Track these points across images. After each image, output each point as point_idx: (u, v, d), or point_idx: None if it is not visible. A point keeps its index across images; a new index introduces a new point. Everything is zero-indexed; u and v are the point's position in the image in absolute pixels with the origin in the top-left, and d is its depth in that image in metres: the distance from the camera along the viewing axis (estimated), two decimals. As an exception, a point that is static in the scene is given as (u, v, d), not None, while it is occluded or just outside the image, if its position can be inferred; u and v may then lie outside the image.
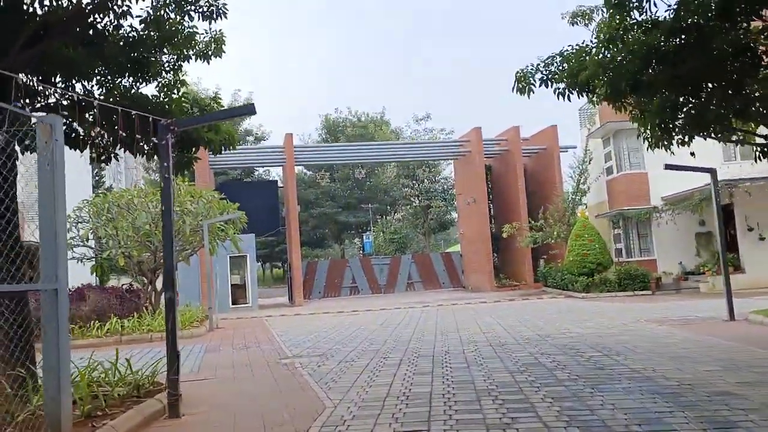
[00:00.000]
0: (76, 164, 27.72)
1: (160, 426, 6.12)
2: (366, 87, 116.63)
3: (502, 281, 31.01)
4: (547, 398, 6.43)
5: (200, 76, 49.83)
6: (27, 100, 8.15)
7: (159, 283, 20.34)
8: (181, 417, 6.41)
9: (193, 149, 9.15)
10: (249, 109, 6.85)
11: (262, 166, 45.25)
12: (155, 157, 9.63)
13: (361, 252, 53.96)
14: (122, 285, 22.12)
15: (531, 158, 32.76)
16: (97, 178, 37.99)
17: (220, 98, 8.95)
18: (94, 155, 8.68)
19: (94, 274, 21.20)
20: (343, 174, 53.68)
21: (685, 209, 24.15)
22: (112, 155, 8.93)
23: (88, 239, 19.49)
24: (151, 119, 6.71)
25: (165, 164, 6.60)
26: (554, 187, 29.85)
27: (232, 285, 28.58)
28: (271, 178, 47.02)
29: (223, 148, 9.29)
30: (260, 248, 63.50)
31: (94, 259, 21.31)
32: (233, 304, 27.67)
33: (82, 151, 8.63)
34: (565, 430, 5.25)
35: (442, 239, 70.68)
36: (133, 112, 6.64)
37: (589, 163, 28.26)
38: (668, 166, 13.27)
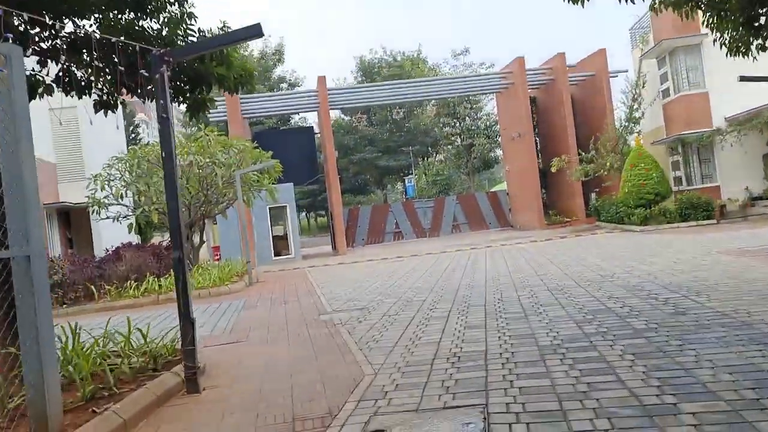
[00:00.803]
0: (110, 122, 27.14)
1: (174, 405, 5.32)
2: (401, 25, 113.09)
3: (552, 218, 29.69)
4: (626, 355, 5.37)
5: (229, 25, 48.10)
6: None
7: (196, 238, 19.85)
8: (201, 392, 5.60)
9: (204, 89, 8.15)
10: (255, 31, 5.76)
11: (296, 112, 43.90)
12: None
13: (403, 196, 52.99)
14: (160, 242, 21.73)
15: (578, 86, 30.81)
16: (133, 135, 37.59)
17: (229, 27, 7.83)
18: (97, 98, 7.83)
19: (132, 232, 20.72)
20: (381, 117, 52.23)
21: (751, 129, 22.22)
22: (118, 100, 8.05)
23: (122, 197, 18.89)
24: (138, 48, 5.70)
25: (161, 102, 5.62)
26: (604, 116, 28.04)
27: (273, 236, 28.07)
28: (307, 125, 45.95)
29: (239, 87, 8.27)
30: (302, 198, 63.16)
31: (133, 217, 20.87)
32: (276, 255, 27.19)
33: (80, 97, 7.76)
34: (658, 398, 4.21)
35: (486, 178, 69.06)
36: (113, 38, 5.63)
37: (643, 87, 26.26)
38: (743, 78, 11.70)
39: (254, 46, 46.59)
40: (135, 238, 26.91)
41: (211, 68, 7.41)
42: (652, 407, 4.06)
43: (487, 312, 8.40)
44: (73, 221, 22.19)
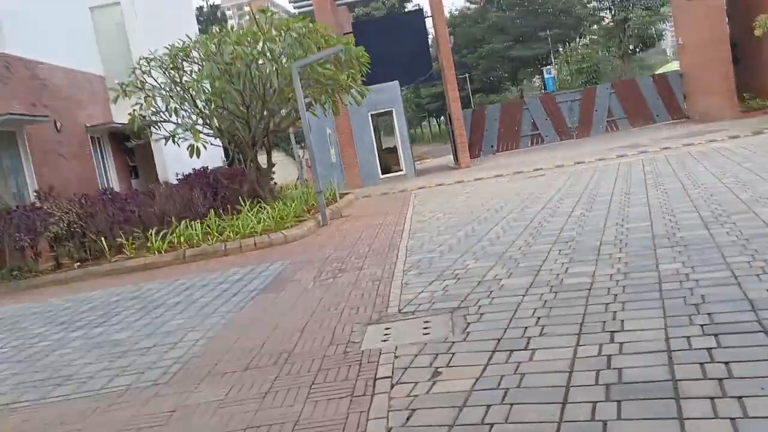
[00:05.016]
0: (174, 20, 22.38)
1: None
2: None
3: (749, 103, 21.98)
4: None
5: None
6: None
7: (264, 161, 15.21)
8: None
9: None
10: None
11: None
12: None
13: (542, 91, 45.49)
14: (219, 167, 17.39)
15: None
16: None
17: None
18: None
19: (194, 156, 16.39)
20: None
21: None
22: None
23: (176, 111, 14.36)
24: None
25: None
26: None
27: (381, 150, 23.10)
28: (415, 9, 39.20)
29: None
30: (431, 101, 57.02)
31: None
32: (384, 173, 22.23)
33: None
34: None
35: (638, 66, 58.90)
36: None
37: None
38: None
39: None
40: (219, 163, 22.88)
41: None
42: None
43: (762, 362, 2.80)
44: (137, 147, 18.32)
